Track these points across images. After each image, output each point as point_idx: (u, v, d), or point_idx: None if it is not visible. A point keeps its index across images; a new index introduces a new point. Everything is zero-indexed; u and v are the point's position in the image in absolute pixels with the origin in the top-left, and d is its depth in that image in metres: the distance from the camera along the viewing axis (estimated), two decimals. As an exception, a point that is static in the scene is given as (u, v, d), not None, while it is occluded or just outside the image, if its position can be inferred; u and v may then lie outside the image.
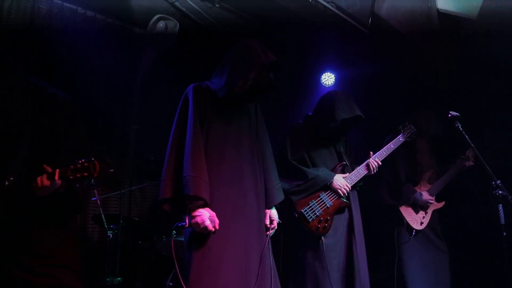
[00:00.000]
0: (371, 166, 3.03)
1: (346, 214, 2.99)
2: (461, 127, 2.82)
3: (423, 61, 4.26)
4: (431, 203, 3.45)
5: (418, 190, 3.50)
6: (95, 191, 3.38)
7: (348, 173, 3.02)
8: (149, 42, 4.05)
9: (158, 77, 4.38)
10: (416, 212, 3.46)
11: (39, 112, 1.95)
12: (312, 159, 3.05)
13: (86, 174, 1.76)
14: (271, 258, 2.33)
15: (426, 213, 3.47)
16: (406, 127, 3.27)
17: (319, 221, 2.87)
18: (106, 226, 3.40)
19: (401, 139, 3.22)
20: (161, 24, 3.98)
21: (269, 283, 2.24)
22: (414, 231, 3.40)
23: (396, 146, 3.19)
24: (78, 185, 1.81)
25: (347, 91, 3.12)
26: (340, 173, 3.02)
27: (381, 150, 3.13)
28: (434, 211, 3.52)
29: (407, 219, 3.42)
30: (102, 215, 3.40)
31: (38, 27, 3.41)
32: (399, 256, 3.39)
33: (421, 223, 3.44)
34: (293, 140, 3.09)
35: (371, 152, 3.08)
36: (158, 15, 3.96)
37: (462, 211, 3.93)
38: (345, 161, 3.08)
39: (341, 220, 2.96)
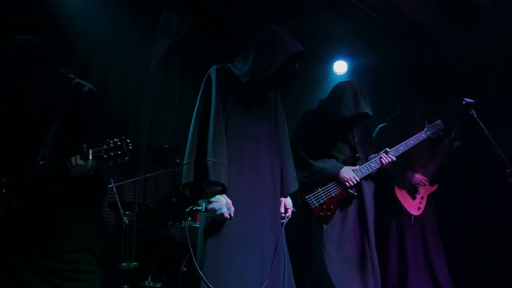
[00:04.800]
0: (383, 161, 3.00)
1: (355, 204, 3.00)
2: (476, 114, 2.79)
3: (437, 48, 4.21)
4: (423, 184, 3.43)
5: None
6: (111, 178, 3.44)
7: (358, 166, 3.01)
8: (162, 30, 4.07)
9: (171, 65, 4.41)
10: (413, 198, 3.46)
11: (68, 100, 2.03)
12: (324, 149, 3.04)
13: (119, 152, 1.82)
14: (285, 246, 2.36)
15: (422, 198, 3.48)
16: (433, 123, 3.20)
17: (322, 209, 2.92)
18: (122, 213, 3.47)
19: (423, 135, 3.16)
20: (173, 12, 4.01)
21: (283, 270, 2.28)
22: (413, 217, 3.40)
23: (417, 142, 3.14)
24: (111, 162, 1.87)
25: (359, 83, 3.05)
26: (350, 165, 3.01)
27: (398, 145, 3.08)
28: (429, 196, 3.52)
29: (405, 206, 3.42)
30: (118, 202, 3.48)
31: (51, 14, 3.44)
32: (400, 242, 3.40)
33: (418, 208, 3.45)
34: (305, 128, 3.09)
35: (388, 149, 3.04)
36: (170, 4, 3.98)
37: (475, 199, 3.93)
38: (358, 153, 3.07)
39: (351, 210, 2.97)
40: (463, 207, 3.94)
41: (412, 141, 3.13)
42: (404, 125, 3.55)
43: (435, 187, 3.55)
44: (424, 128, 3.20)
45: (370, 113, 2.93)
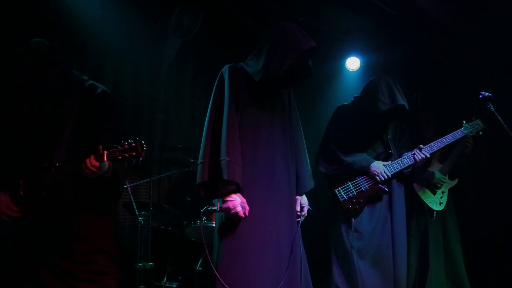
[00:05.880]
0: (417, 158, 2.96)
1: (384, 202, 2.97)
2: (493, 108, 2.73)
3: (452, 42, 4.14)
4: (444, 182, 3.40)
5: (430, 169, 3.45)
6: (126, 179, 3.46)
7: (390, 161, 2.98)
8: (174, 31, 4.08)
9: (183, 66, 4.42)
10: (434, 193, 3.41)
11: (81, 102, 2.04)
12: (357, 144, 3.02)
13: (134, 153, 1.82)
14: (301, 244, 2.34)
15: (443, 192, 3.42)
16: (472, 122, 3.15)
17: (351, 203, 2.91)
18: (137, 213, 3.49)
19: (459, 134, 3.11)
20: (184, 13, 4.02)
21: (299, 269, 2.26)
22: (435, 212, 3.35)
23: (453, 140, 3.09)
24: (126, 164, 1.87)
25: (392, 77, 3.02)
26: (382, 160, 2.98)
27: (433, 142, 3.04)
28: (450, 190, 3.47)
29: (427, 202, 3.37)
30: (133, 203, 3.50)
31: (64, 17, 3.47)
32: (422, 241, 3.36)
33: (440, 203, 3.40)
34: (338, 123, 3.09)
35: (421, 146, 3.01)
36: (181, 5, 3.99)
37: (494, 194, 3.86)
38: (390, 150, 3.04)
39: (379, 207, 2.95)
40: (481, 202, 3.87)
41: (447, 139, 3.08)
42: (421, 116, 3.54)
43: (455, 181, 3.50)
44: (462, 126, 3.15)
45: (406, 105, 2.90)
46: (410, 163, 2.98)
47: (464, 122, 3.17)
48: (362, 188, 2.93)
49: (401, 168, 2.96)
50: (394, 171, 2.94)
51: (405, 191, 3.11)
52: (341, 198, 2.91)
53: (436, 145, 3.05)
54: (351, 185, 2.94)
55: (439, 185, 3.39)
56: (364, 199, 2.92)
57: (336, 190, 2.93)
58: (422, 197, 3.38)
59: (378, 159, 2.99)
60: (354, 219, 2.89)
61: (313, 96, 4.91)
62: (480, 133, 3.18)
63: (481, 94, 2.74)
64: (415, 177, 3.39)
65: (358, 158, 2.94)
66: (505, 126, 2.73)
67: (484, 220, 3.84)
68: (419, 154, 2.97)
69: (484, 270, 3.67)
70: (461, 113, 3.28)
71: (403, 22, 3.94)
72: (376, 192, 2.94)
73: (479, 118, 3.16)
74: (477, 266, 3.57)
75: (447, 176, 3.44)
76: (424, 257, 3.32)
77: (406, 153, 3.03)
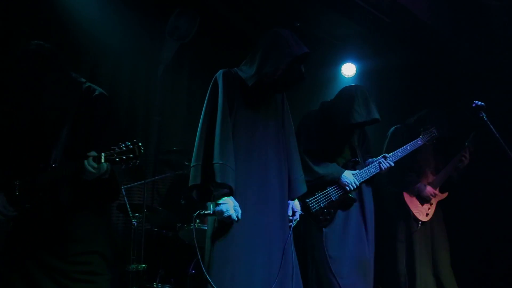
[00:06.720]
0: (382, 167, 3.02)
1: (356, 207, 3.01)
2: (486, 117, 2.75)
3: (446, 50, 4.19)
4: (433, 196, 3.46)
5: (423, 180, 3.51)
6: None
7: (358, 170, 3.02)
8: (170, 34, 4.09)
9: (179, 69, 4.43)
10: (422, 203, 3.46)
11: (79, 104, 2.06)
12: (325, 151, 3.04)
13: (131, 155, 1.84)
14: (293, 249, 2.35)
15: (431, 204, 3.47)
16: (428, 130, 3.22)
17: (322, 213, 2.92)
18: (130, 215, 3.48)
19: (419, 142, 3.18)
20: (182, 16, 4.03)
21: (291, 273, 2.28)
22: (420, 222, 3.41)
23: (413, 149, 3.16)
24: (124, 166, 1.88)
25: (367, 88, 3.05)
26: (350, 169, 3.02)
27: (396, 151, 3.09)
28: (438, 203, 3.52)
29: (413, 211, 3.41)
30: (127, 204, 3.49)
31: (61, 19, 3.48)
32: (408, 247, 3.40)
33: (427, 214, 3.45)
34: (307, 130, 3.09)
35: (386, 154, 3.06)
36: (179, 8, 4.01)
37: (486, 205, 3.89)
38: (357, 157, 3.08)
39: (352, 213, 2.98)
40: (473, 213, 3.90)
41: (409, 147, 3.15)
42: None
43: (445, 195, 3.55)
44: (420, 135, 3.20)
45: (379, 118, 2.93)
46: (376, 171, 3.03)
47: (421, 130, 3.22)
48: (333, 198, 2.95)
49: (368, 177, 3.02)
50: (362, 180, 2.99)
51: (373, 195, 3.14)
52: (313, 208, 2.92)
53: (400, 153, 3.11)
54: (321, 195, 2.95)
55: (428, 199, 3.45)
56: (334, 208, 2.95)
57: (307, 201, 2.92)
58: (410, 205, 3.41)
59: (347, 168, 3.02)
60: (326, 228, 2.90)
61: (308, 101, 4.92)
62: (434, 141, 3.25)
63: (474, 103, 2.76)
64: (407, 188, 3.43)
65: (330, 169, 2.96)
66: (498, 135, 2.75)
67: (473, 228, 3.87)
68: (384, 163, 3.02)
69: (472, 277, 3.70)
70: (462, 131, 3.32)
71: (398, 29, 3.98)
72: (346, 201, 2.98)
73: (434, 127, 3.23)
74: (466, 273, 3.60)
75: (437, 189, 3.49)
76: (411, 263, 3.36)
77: (371, 160, 3.09)
